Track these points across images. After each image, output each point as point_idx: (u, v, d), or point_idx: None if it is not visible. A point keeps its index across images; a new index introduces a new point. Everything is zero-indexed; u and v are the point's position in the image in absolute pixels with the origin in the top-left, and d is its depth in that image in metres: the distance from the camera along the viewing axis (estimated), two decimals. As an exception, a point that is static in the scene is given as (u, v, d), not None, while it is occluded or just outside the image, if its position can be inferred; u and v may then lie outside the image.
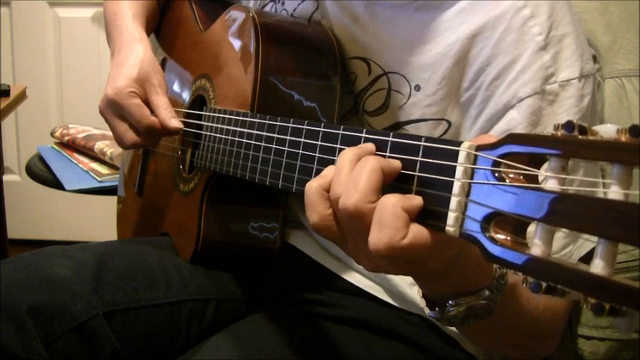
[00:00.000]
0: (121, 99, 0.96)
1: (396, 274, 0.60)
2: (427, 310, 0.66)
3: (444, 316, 0.64)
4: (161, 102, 0.97)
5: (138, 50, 1.02)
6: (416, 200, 0.54)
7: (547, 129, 0.77)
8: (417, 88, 0.84)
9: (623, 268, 0.93)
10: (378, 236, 0.53)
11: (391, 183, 0.57)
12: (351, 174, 0.56)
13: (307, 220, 0.60)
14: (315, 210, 0.59)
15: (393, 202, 0.53)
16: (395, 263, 0.56)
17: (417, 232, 0.53)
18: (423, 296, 0.67)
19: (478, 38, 0.80)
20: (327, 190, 0.58)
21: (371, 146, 0.59)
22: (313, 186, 0.59)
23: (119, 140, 1.01)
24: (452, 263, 0.58)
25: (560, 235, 0.79)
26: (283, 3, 0.99)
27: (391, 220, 0.53)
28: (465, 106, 0.82)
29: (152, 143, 1.03)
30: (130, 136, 0.98)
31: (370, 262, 0.59)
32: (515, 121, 0.78)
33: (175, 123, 0.96)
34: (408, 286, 0.91)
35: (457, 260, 0.58)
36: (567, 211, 0.41)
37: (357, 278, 0.94)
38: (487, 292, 0.63)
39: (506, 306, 0.65)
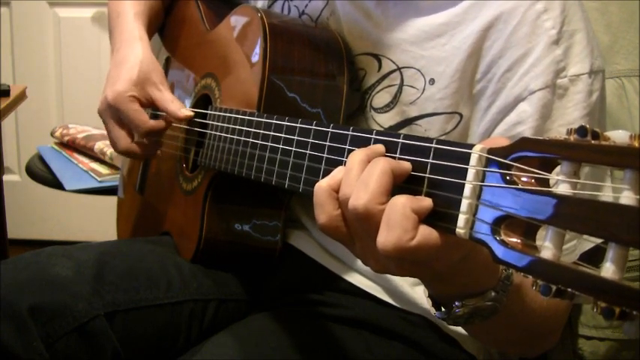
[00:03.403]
0: (120, 103, 0.97)
1: (403, 275, 0.60)
2: (433, 311, 0.66)
3: (450, 316, 0.64)
4: (166, 97, 0.98)
5: (137, 49, 1.02)
6: (425, 202, 0.54)
7: (555, 123, 0.78)
8: (432, 81, 0.84)
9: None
10: (387, 237, 0.53)
11: (401, 185, 0.57)
12: (361, 175, 0.56)
13: (315, 219, 0.60)
14: (324, 210, 0.59)
15: (402, 203, 0.53)
16: (402, 265, 0.56)
17: (426, 233, 0.53)
18: (429, 296, 0.67)
19: (491, 31, 0.80)
20: (337, 190, 0.58)
21: (381, 147, 0.59)
22: (322, 186, 0.59)
23: (113, 144, 1.01)
24: (460, 265, 0.58)
25: None
26: None
27: (400, 221, 0.53)
28: (476, 97, 0.82)
29: (146, 153, 1.02)
30: (125, 141, 0.99)
31: (377, 264, 0.59)
32: (526, 114, 0.78)
33: (186, 112, 0.96)
34: (408, 286, 0.91)
35: (464, 263, 0.58)
36: (578, 215, 0.41)
37: (357, 278, 0.94)
38: (493, 294, 0.63)
39: (511, 305, 0.65)
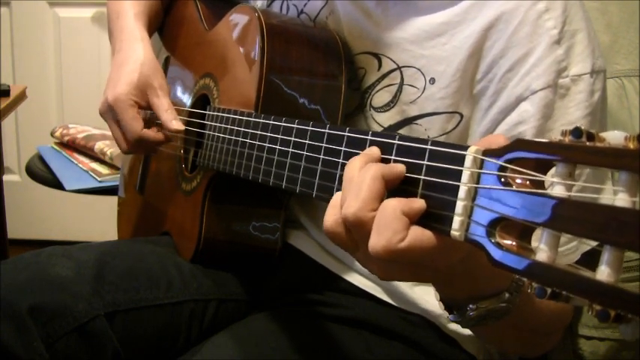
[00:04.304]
0: (118, 107, 0.97)
1: (407, 280, 0.60)
2: (446, 314, 0.66)
3: (464, 319, 0.64)
4: (162, 104, 0.98)
5: (138, 51, 1.02)
6: (417, 203, 0.54)
7: (557, 123, 0.77)
8: (432, 81, 0.84)
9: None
10: (377, 239, 0.53)
11: (396, 186, 0.57)
12: (353, 182, 0.56)
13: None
14: (328, 217, 0.59)
15: (392, 205, 0.53)
16: (401, 268, 0.56)
17: (417, 234, 0.53)
18: (440, 300, 0.67)
19: (492, 31, 0.80)
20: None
21: (376, 152, 0.59)
22: (334, 197, 0.59)
23: (117, 143, 1.02)
24: (461, 267, 0.57)
25: None
26: None
27: (389, 223, 0.53)
28: (476, 97, 0.82)
29: (147, 151, 1.04)
30: (124, 144, 1.00)
31: (379, 269, 0.58)
32: (528, 114, 0.78)
33: (176, 125, 0.96)
34: (408, 287, 0.91)
35: (467, 264, 0.57)
36: (573, 217, 0.41)
37: (357, 278, 0.94)
38: (507, 295, 0.63)
39: (523, 306, 0.65)
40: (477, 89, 0.82)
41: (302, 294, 0.96)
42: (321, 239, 0.97)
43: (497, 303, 0.63)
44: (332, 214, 0.58)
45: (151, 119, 1.02)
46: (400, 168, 0.57)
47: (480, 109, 0.82)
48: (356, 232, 0.56)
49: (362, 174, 0.56)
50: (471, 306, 0.63)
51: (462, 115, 0.83)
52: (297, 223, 1.00)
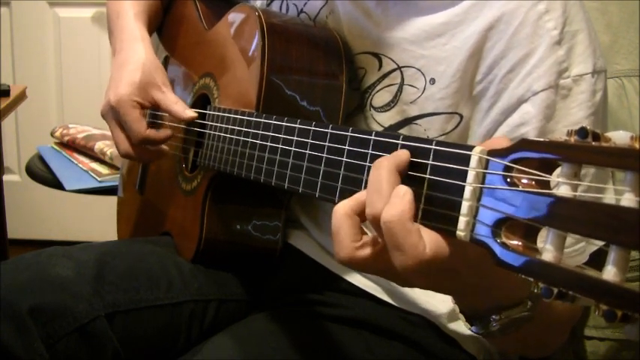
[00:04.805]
0: (121, 108, 0.97)
1: (429, 288, 0.60)
2: (468, 326, 0.66)
3: (487, 330, 0.64)
4: (169, 99, 0.98)
5: (139, 51, 1.02)
6: (407, 196, 0.53)
7: (560, 123, 0.77)
8: (432, 81, 0.84)
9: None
10: (402, 258, 0.53)
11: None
12: (379, 187, 0.56)
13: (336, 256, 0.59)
14: (339, 252, 0.58)
15: (401, 221, 0.53)
16: (429, 277, 0.56)
17: (431, 237, 0.53)
18: (462, 312, 0.66)
19: (492, 32, 0.80)
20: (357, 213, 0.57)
21: (404, 155, 0.58)
22: (340, 209, 0.59)
23: (115, 145, 1.02)
24: (481, 268, 0.56)
25: None
26: None
27: (406, 239, 0.53)
28: (476, 99, 0.82)
29: (145, 158, 1.03)
30: (125, 146, 1.00)
31: (414, 280, 0.57)
32: (530, 115, 0.78)
33: (190, 113, 0.96)
34: (408, 286, 0.91)
35: (490, 278, 0.57)
36: (579, 217, 0.41)
37: (357, 278, 0.94)
38: (530, 303, 0.63)
39: (542, 310, 0.65)
40: (477, 90, 0.82)
41: (302, 294, 0.96)
42: (322, 239, 0.97)
43: (521, 312, 0.63)
44: (341, 247, 0.57)
45: (153, 122, 1.02)
46: (405, 155, 0.57)
47: (480, 110, 0.82)
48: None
49: (376, 174, 0.56)
50: (494, 317, 0.63)
51: (461, 116, 0.83)
52: (298, 223, 1.00)
